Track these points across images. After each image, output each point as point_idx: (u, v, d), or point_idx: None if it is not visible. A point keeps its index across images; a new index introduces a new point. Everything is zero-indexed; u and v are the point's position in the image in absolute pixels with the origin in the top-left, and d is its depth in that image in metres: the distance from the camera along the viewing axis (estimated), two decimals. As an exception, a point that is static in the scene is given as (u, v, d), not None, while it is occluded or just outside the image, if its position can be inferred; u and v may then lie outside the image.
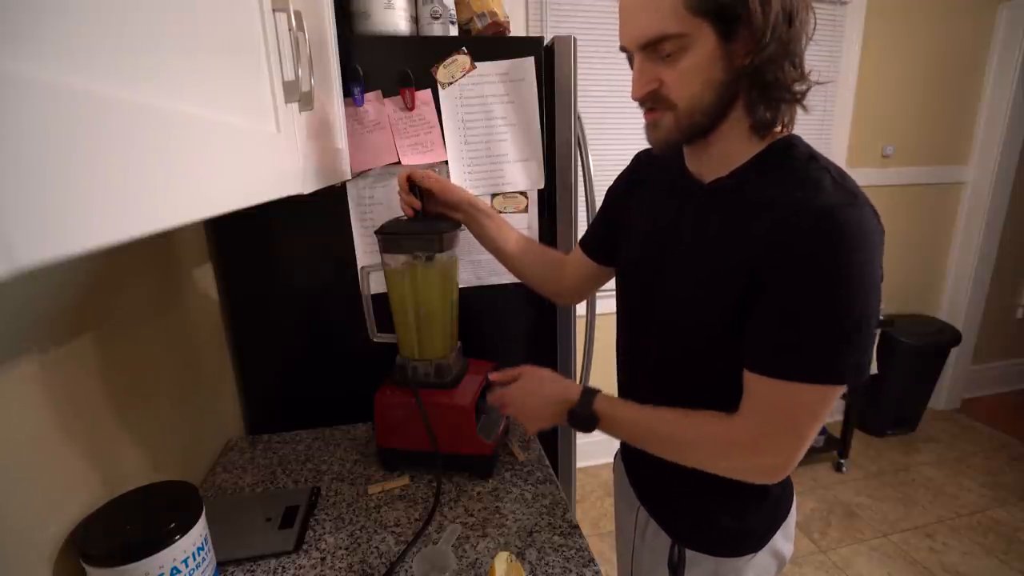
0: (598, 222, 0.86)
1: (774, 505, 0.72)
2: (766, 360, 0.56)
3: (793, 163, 0.57)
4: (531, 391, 0.74)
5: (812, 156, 0.58)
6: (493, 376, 0.80)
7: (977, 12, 2.33)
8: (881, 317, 2.16)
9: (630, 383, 0.81)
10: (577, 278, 0.90)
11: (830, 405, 0.56)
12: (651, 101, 0.59)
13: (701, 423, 0.63)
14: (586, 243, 0.88)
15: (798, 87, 0.56)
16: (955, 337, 2.45)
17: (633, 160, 0.82)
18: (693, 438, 0.63)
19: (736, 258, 0.57)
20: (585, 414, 0.68)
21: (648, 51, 0.56)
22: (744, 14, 0.50)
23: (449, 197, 0.86)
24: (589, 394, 0.69)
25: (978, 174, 2.53)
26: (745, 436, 0.59)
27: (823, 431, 2.32)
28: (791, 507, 0.75)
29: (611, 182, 0.86)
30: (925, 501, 2.12)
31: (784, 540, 0.75)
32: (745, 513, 0.71)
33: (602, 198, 0.88)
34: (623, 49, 0.59)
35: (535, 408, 0.73)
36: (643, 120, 0.62)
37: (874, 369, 2.27)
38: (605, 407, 0.68)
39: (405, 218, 0.88)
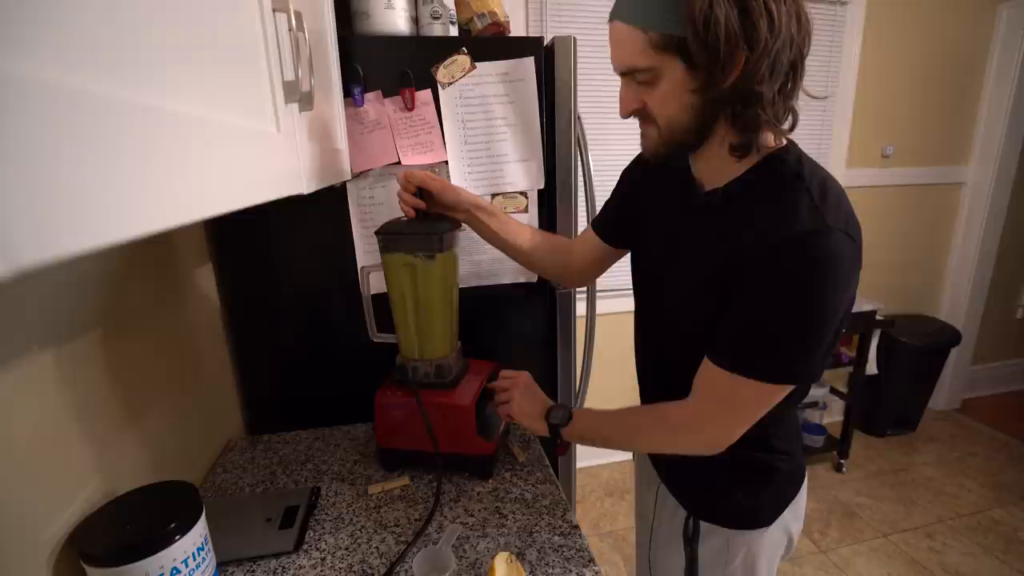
0: (613, 205, 0.89)
1: (785, 482, 0.77)
2: (725, 353, 0.63)
3: (778, 180, 0.61)
4: (525, 390, 0.85)
5: (798, 174, 0.60)
6: (503, 372, 0.90)
7: (977, 12, 2.33)
8: (880, 317, 2.18)
9: (647, 381, 0.86)
10: (585, 261, 0.93)
11: (772, 400, 0.64)
12: (638, 117, 0.65)
13: (654, 408, 0.73)
14: (600, 225, 0.90)
15: (775, 113, 0.58)
16: (955, 337, 2.45)
17: None
18: (648, 422, 0.73)
19: (720, 266, 0.62)
20: (561, 411, 0.79)
21: (628, 77, 0.62)
22: (701, 50, 0.54)
23: (449, 198, 0.86)
24: (567, 406, 0.81)
25: (978, 174, 2.53)
26: (690, 416, 0.68)
27: (823, 431, 2.33)
28: (801, 486, 0.79)
29: (615, 177, 0.89)
30: (925, 501, 2.12)
31: (794, 519, 0.79)
32: (756, 488, 0.75)
33: (603, 196, 0.89)
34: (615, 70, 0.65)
35: (526, 403, 0.84)
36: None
37: (874, 369, 2.27)
38: (579, 410, 0.79)
39: (405, 218, 0.88)
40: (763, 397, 0.63)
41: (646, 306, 0.81)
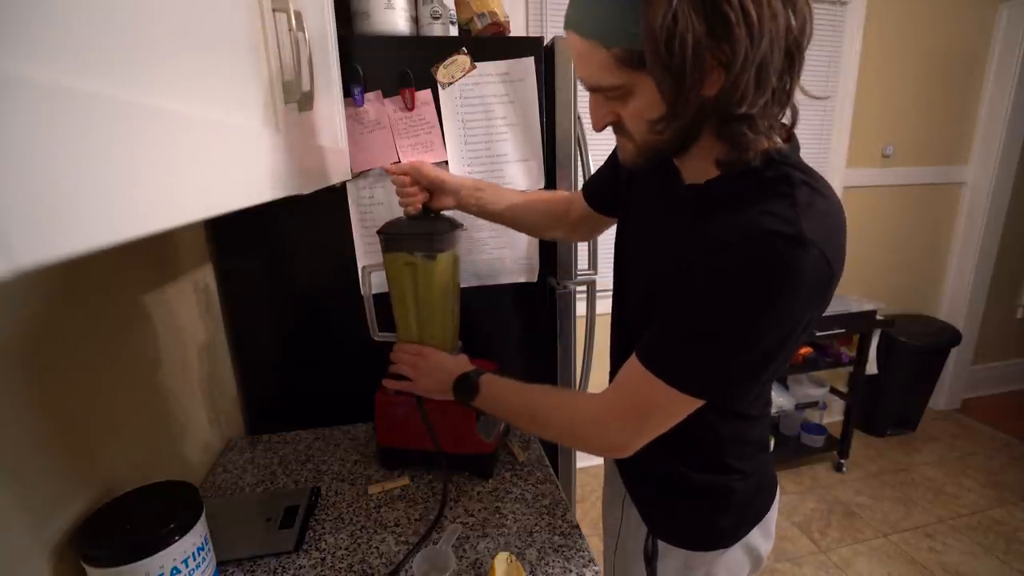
0: (605, 174, 0.86)
1: (744, 504, 0.72)
2: (646, 350, 0.58)
3: (762, 181, 0.54)
4: (426, 360, 0.84)
5: (785, 176, 0.53)
6: (400, 346, 0.88)
7: (977, 11, 2.33)
8: (880, 317, 2.18)
9: (615, 366, 0.80)
10: (582, 219, 0.92)
11: (683, 412, 0.58)
12: (613, 129, 0.60)
13: (564, 396, 0.70)
14: (589, 192, 0.89)
15: (764, 127, 0.52)
16: (955, 337, 2.45)
17: None
18: (553, 409, 0.68)
19: (676, 260, 0.58)
20: (468, 381, 0.76)
21: (598, 92, 0.56)
22: (664, 73, 0.47)
23: (446, 186, 0.88)
24: (478, 371, 0.78)
25: (978, 174, 2.53)
26: (598, 410, 0.63)
27: (823, 431, 2.33)
28: (771, 505, 0.75)
29: None
30: (925, 501, 2.12)
31: (762, 537, 0.75)
32: (712, 511, 0.72)
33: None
34: None
35: (426, 373, 0.83)
36: None
37: (874, 369, 2.27)
38: (487, 379, 0.76)
39: (405, 218, 0.88)
40: (672, 406, 0.58)
41: (616, 289, 0.78)
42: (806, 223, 0.49)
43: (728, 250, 0.51)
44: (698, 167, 0.60)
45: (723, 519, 0.72)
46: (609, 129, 0.61)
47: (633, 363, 0.59)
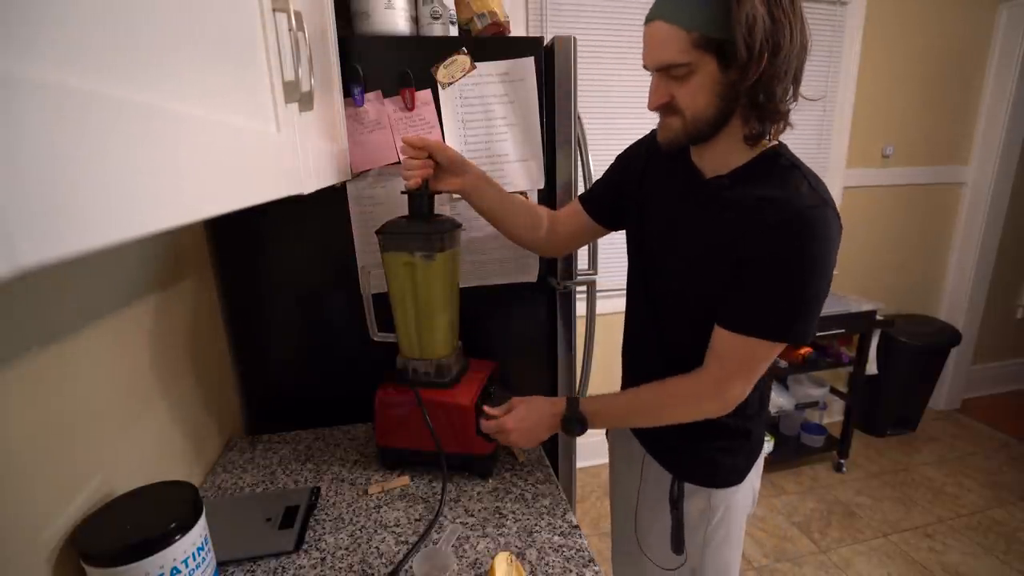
0: (606, 184, 0.94)
1: (754, 444, 0.87)
2: (737, 320, 0.72)
3: (778, 169, 0.70)
4: (525, 415, 0.85)
5: (794, 164, 0.71)
6: (489, 410, 0.88)
7: (977, 12, 2.33)
8: (880, 317, 2.18)
9: (635, 362, 0.94)
10: (568, 233, 0.98)
11: (774, 357, 0.74)
12: (664, 110, 0.72)
13: (672, 385, 0.78)
14: (589, 202, 0.95)
15: (785, 108, 0.67)
16: (955, 337, 2.45)
17: (650, 136, 0.87)
18: (670, 399, 0.79)
19: (726, 242, 0.71)
20: (575, 416, 0.82)
21: (662, 72, 0.69)
22: (735, 51, 0.62)
23: (458, 165, 0.89)
24: (574, 400, 0.84)
25: (978, 174, 2.54)
26: (710, 383, 0.75)
27: (823, 431, 2.33)
28: (763, 447, 0.90)
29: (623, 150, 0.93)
30: (925, 501, 2.12)
31: (756, 476, 0.89)
32: (732, 451, 0.85)
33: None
34: (645, 67, 0.71)
35: (531, 428, 0.85)
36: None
37: (874, 369, 2.28)
38: (589, 405, 0.83)
39: (405, 218, 0.88)
40: (772, 355, 0.73)
41: (648, 282, 0.86)
42: (821, 191, 0.67)
43: (783, 226, 0.66)
44: (719, 156, 0.73)
45: (740, 457, 0.85)
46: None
47: (726, 336, 0.72)
